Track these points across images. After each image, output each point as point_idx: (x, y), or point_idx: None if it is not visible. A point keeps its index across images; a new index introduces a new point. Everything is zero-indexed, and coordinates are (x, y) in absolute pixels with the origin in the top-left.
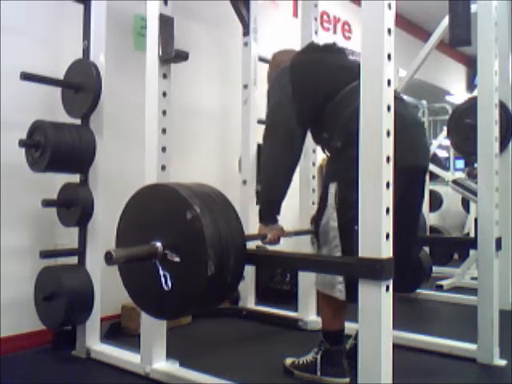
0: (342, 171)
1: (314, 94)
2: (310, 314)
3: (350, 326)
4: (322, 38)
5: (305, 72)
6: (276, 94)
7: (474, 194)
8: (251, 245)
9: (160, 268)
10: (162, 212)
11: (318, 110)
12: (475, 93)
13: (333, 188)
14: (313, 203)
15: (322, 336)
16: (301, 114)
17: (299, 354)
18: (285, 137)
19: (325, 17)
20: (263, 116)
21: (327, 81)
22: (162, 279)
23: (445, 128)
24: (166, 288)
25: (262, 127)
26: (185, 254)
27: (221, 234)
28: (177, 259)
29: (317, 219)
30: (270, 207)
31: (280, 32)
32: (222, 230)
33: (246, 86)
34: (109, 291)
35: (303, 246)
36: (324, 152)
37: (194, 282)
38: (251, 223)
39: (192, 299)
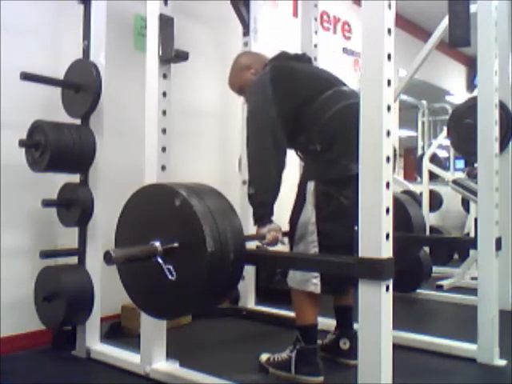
0: (321, 171)
1: (292, 99)
2: None
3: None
4: (322, 38)
5: (284, 78)
6: (257, 98)
7: (474, 194)
8: (251, 245)
9: (162, 263)
10: (155, 210)
11: (296, 115)
12: (475, 93)
13: (311, 186)
14: None
15: (297, 334)
16: (280, 117)
17: (274, 351)
18: (271, 137)
19: (325, 17)
20: None
21: (305, 87)
22: (167, 272)
23: (445, 128)
24: (171, 278)
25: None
26: (183, 239)
27: (214, 214)
28: (176, 244)
29: (294, 216)
30: (264, 208)
31: (280, 32)
32: (216, 213)
33: None
34: (109, 291)
35: None
36: (297, 154)
37: (195, 263)
38: (251, 223)
39: (196, 284)
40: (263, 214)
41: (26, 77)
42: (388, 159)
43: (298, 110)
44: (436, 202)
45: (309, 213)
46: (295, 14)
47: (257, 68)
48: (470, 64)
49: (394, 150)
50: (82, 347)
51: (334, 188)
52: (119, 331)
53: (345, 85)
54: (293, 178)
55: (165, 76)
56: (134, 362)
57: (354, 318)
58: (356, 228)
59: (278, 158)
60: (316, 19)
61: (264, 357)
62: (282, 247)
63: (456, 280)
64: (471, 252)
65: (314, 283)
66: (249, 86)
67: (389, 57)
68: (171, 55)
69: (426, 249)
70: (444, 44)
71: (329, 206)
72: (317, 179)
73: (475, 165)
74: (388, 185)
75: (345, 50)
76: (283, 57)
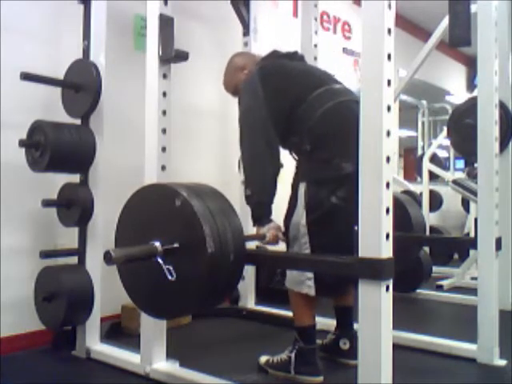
0: (312, 172)
1: (283, 98)
2: None
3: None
4: (322, 38)
5: (274, 77)
6: (248, 98)
7: (474, 194)
8: (251, 245)
9: (162, 263)
10: (155, 210)
11: (287, 114)
12: (475, 93)
13: (302, 188)
14: None
15: (296, 334)
16: (271, 116)
17: (274, 352)
18: (263, 137)
19: (325, 17)
20: None
21: (295, 85)
22: (166, 272)
23: (445, 128)
24: (171, 278)
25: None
26: (183, 240)
27: (214, 214)
28: (176, 245)
29: (287, 218)
30: (262, 209)
31: (280, 32)
32: (216, 213)
33: None
34: (109, 291)
35: None
36: (291, 155)
37: (195, 264)
38: (251, 223)
39: (196, 284)
40: (261, 215)
41: (26, 77)
42: (388, 159)
43: (288, 108)
44: (436, 202)
45: (300, 214)
46: (295, 14)
47: (251, 68)
48: (470, 64)
49: None
50: (82, 347)
51: (326, 189)
52: (119, 331)
53: (338, 83)
54: (292, 179)
55: (165, 76)
56: (134, 361)
57: (354, 317)
58: (356, 228)
59: (272, 158)
60: (316, 19)
61: (263, 359)
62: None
63: (456, 280)
64: (471, 252)
65: (308, 285)
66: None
67: (389, 57)
68: (171, 55)
69: (426, 249)
70: (444, 44)
71: (320, 208)
72: (308, 180)
73: (475, 165)
74: (388, 185)
75: (345, 50)
76: (274, 55)
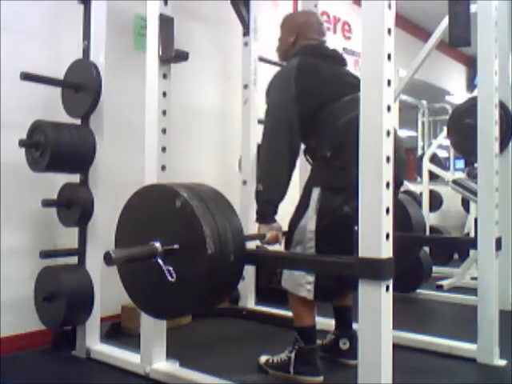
0: (328, 179)
1: (310, 100)
2: None
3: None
4: None
5: (308, 76)
6: (279, 93)
7: (474, 194)
8: (251, 245)
9: (162, 264)
10: (155, 211)
11: (309, 117)
12: (475, 93)
13: (316, 193)
14: None
15: (296, 334)
16: (298, 117)
17: (274, 352)
18: (287, 136)
19: (325, 17)
20: (263, 116)
21: (323, 89)
22: (167, 273)
23: (445, 128)
24: (171, 279)
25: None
26: (183, 240)
27: (214, 215)
28: (176, 246)
29: (295, 220)
30: (269, 207)
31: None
32: (216, 214)
33: (246, 86)
34: (109, 291)
35: None
36: (306, 157)
37: (195, 264)
38: (251, 223)
39: (196, 285)
40: (267, 213)
41: (26, 77)
42: (388, 159)
43: (312, 111)
44: (436, 202)
45: (309, 219)
46: None
47: (298, 40)
48: (470, 64)
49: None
50: (82, 347)
51: (340, 197)
52: (119, 331)
53: None
54: (295, 179)
55: (165, 76)
56: (134, 361)
57: (354, 317)
58: (356, 228)
59: (290, 159)
60: None
61: (263, 358)
62: (281, 247)
63: (456, 280)
64: (471, 252)
65: (307, 289)
66: (283, 55)
67: (389, 57)
68: (171, 55)
69: (426, 249)
70: (444, 44)
71: (332, 216)
72: (322, 186)
73: (475, 165)
74: (388, 185)
75: (345, 50)
76: (313, 52)
